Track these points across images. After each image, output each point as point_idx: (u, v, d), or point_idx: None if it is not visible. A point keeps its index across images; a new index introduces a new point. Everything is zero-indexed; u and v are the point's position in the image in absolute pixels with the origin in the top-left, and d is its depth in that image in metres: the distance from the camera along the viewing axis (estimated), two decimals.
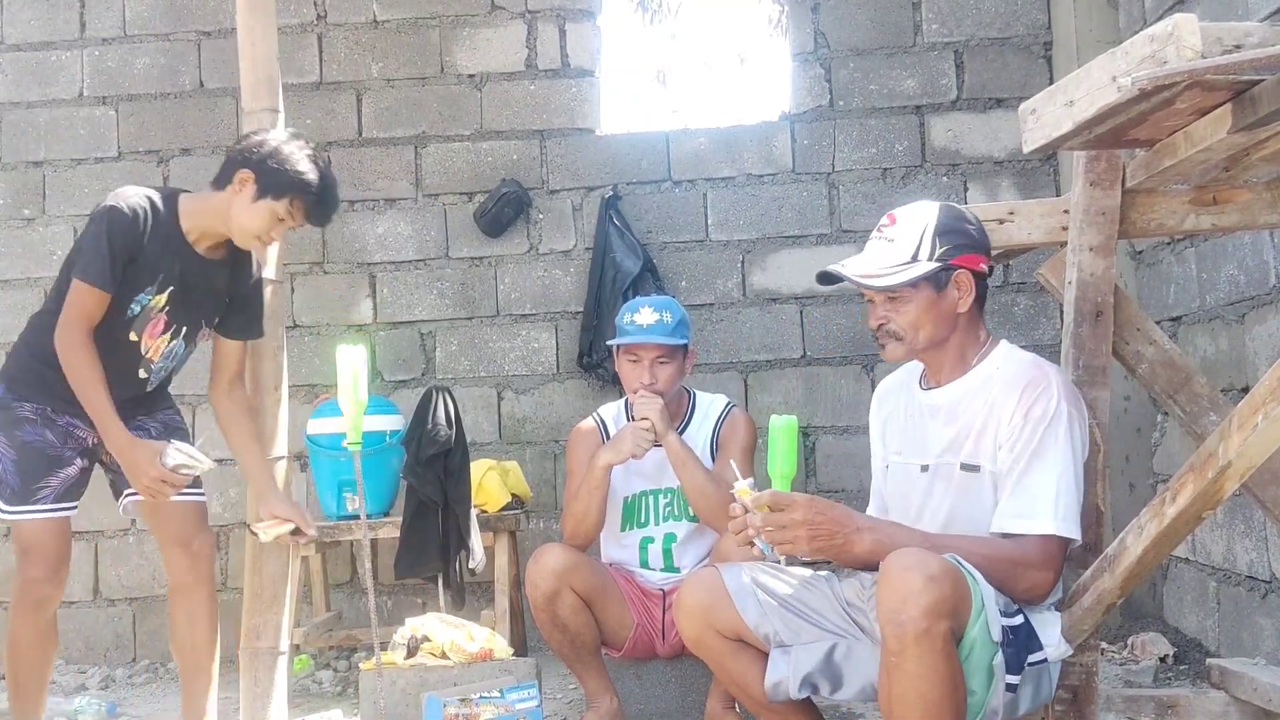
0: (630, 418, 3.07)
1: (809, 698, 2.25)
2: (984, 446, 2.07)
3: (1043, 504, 1.97)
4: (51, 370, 2.58)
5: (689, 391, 3.15)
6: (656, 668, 3.09)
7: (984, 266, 2.15)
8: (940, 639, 1.81)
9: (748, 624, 2.20)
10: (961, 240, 2.11)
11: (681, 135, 4.66)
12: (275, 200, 2.54)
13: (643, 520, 3.09)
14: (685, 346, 3.03)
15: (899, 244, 2.11)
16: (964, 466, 2.09)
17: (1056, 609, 2.12)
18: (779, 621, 2.19)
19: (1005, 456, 2.03)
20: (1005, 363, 2.13)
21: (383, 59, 4.66)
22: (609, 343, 3.32)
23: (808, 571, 2.29)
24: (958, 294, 2.11)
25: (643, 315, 2.98)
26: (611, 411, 3.20)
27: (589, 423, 3.18)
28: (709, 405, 3.12)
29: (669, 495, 3.06)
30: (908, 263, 2.09)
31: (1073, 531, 1.99)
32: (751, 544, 2.04)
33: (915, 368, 2.27)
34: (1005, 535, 2.01)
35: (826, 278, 2.18)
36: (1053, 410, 2.00)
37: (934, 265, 2.08)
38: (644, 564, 3.09)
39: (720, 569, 2.30)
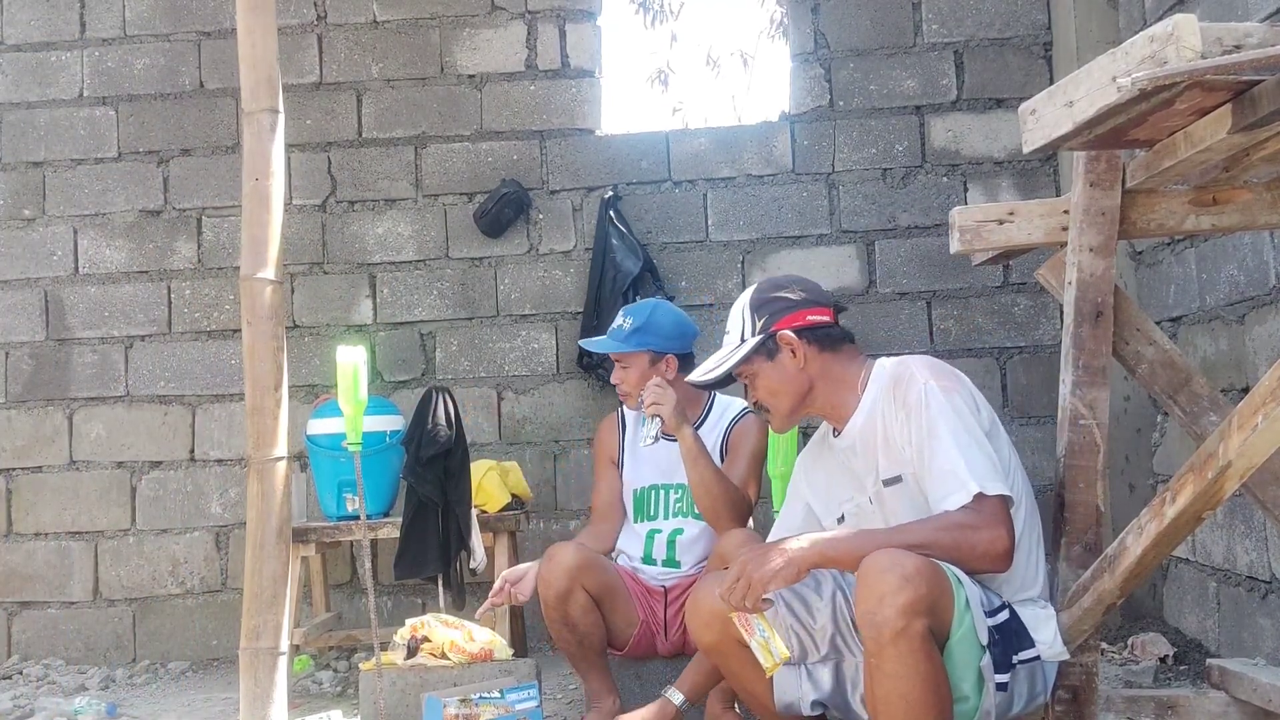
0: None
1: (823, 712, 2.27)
2: (894, 457, 2.12)
3: (956, 475, 2.00)
4: None
5: (709, 399, 3.18)
6: (656, 668, 3.09)
7: (811, 318, 2.24)
8: (918, 638, 1.82)
9: None
10: (776, 307, 2.25)
11: (681, 135, 4.67)
12: None
13: (652, 513, 3.13)
14: (652, 351, 3.04)
15: (732, 333, 2.31)
16: (886, 482, 2.15)
17: (1049, 603, 2.12)
18: (791, 636, 2.20)
19: (912, 455, 2.08)
20: (878, 377, 2.21)
21: (383, 59, 4.66)
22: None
23: (813, 583, 2.30)
24: (793, 354, 2.22)
25: (615, 320, 3.15)
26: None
27: (611, 415, 3.34)
28: (726, 407, 3.16)
29: (680, 491, 3.09)
30: (737, 346, 2.26)
31: (999, 487, 1.99)
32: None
33: (825, 425, 2.36)
34: None
35: (703, 385, 2.36)
36: (921, 390, 2.08)
37: (755, 340, 2.23)
38: (647, 555, 3.11)
39: None
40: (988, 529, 1.96)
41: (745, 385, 2.32)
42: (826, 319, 2.27)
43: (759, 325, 2.24)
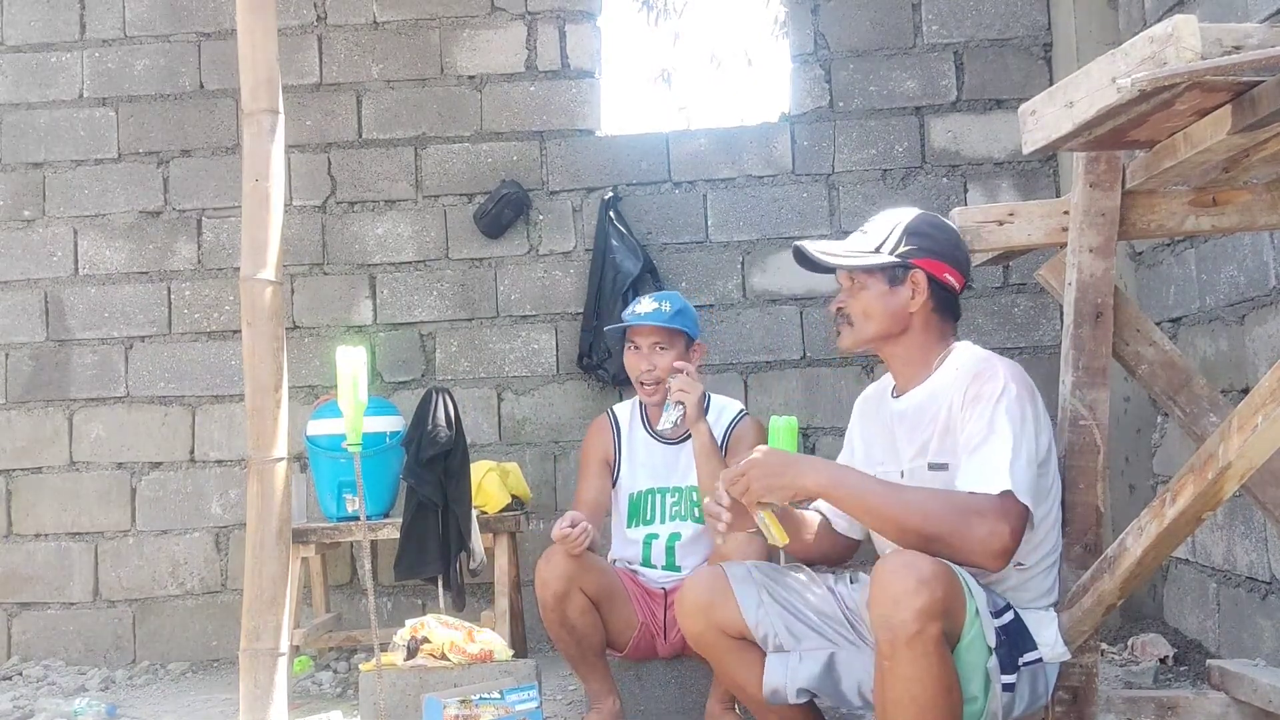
0: (644, 414, 3.16)
1: (811, 700, 2.25)
2: (948, 444, 2.09)
3: (995, 468, 1.97)
4: None
5: (704, 393, 3.16)
6: (656, 668, 3.09)
7: (948, 277, 2.18)
8: (932, 641, 1.81)
9: (747, 622, 2.20)
10: (927, 244, 2.17)
11: (682, 136, 4.66)
12: None
13: (648, 517, 3.12)
14: (687, 336, 3.06)
15: (870, 235, 2.21)
16: (932, 466, 2.11)
17: (1054, 609, 2.12)
18: (780, 624, 2.19)
19: (964, 438, 2.04)
20: (960, 362, 2.16)
21: (383, 60, 4.66)
22: (609, 327, 3.46)
23: (808, 575, 2.29)
24: (911, 293, 2.16)
25: (643, 305, 3.10)
26: (626, 409, 3.25)
27: (602, 417, 3.27)
28: (722, 408, 3.15)
29: (676, 495, 3.08)
30: (871, 252, 2.17)
31: (1025, 499, 1.97)
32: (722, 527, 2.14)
33: (889, 379, 2.30)
34: None
35: (799, 253, 2.24)
36: (1000, 389, 2.03)
37: (891, 259, 2.15)
38: (646, 561, 3.11)
39: (725, 566, 2.31)
40: (993, 521, 1.92)
41: (842, 286, 2.23)
42: (958, 287, 2.21)
43: (902, 249, 2.15)
